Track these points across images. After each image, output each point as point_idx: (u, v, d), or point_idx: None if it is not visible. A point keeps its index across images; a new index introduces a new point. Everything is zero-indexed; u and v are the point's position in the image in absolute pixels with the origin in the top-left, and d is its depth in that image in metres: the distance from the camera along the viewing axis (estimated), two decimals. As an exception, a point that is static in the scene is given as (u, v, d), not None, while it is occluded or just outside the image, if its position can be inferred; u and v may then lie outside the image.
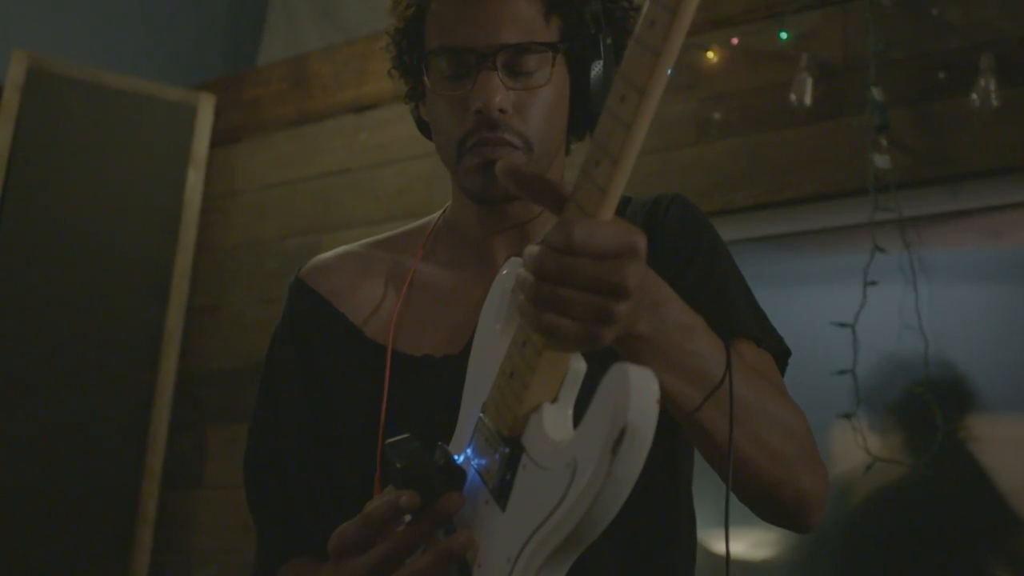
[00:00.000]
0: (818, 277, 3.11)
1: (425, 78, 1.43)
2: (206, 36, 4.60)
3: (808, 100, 3.00)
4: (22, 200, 3.74)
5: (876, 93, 2.85)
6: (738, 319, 1.38)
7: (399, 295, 1.49)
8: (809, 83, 3.01)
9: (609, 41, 1.45)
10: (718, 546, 2.74)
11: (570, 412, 1.04)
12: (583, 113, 1.45)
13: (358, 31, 4.04)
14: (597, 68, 1.43)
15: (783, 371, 1.44)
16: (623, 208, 1.52)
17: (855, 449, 2.67)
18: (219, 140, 4.18)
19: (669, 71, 1.48)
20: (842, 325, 2.74)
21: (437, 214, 1.60)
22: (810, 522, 1.31)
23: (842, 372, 2.71)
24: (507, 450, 1.04)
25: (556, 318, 0.96)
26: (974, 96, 2.75)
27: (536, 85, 1.38)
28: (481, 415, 1.12)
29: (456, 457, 1.13)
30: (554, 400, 1.04)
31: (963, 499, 2.74)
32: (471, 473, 1.11)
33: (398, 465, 1.09)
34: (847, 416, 2.68)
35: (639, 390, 0.91)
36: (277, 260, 3.84)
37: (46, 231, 3.76)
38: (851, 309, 2.75)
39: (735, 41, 3.19)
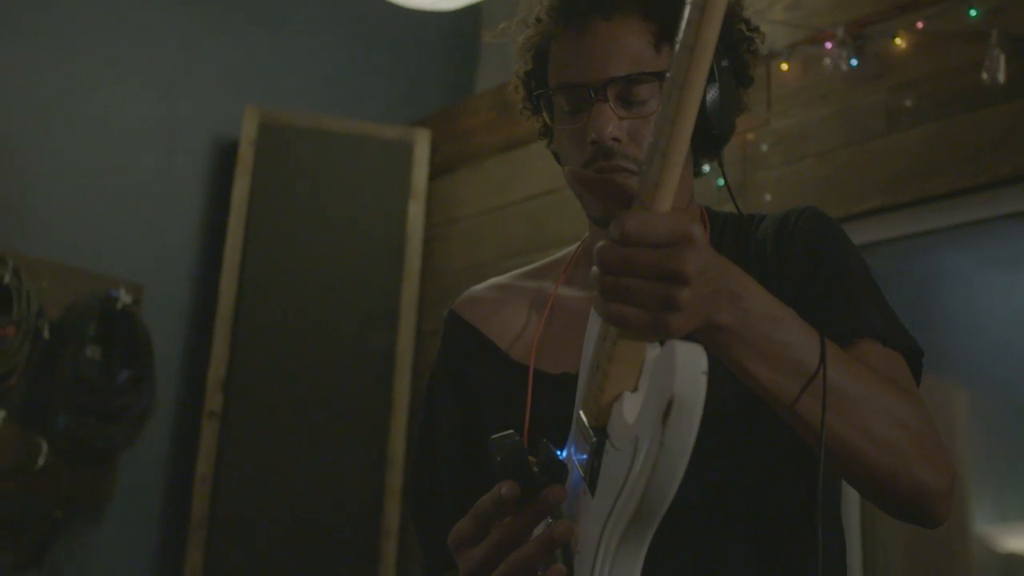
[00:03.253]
0: (1017, 265, 2.98)
1: (546, 114, 1.53)
2: (423, 72, 4.84)
3: (1002, 78, 2.91)
4: (262, 243, 4.08)
5: (1072, 64, 2.74)
6: (863, 319, 1.39)
7: (541, 319, 1.59)
8: (1002, 60, 2.91)
9: (725, 63, 1.50)
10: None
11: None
12: (705, 135, 1.50)
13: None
14: (714, 91, 1.48)
15: (918, 371, 1.43)
16: (758, 223, 1.56)
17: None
18: (436, 172, 4.40)
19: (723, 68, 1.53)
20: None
21: (577, 243, 1.69)
22: (934, 515, 1.29)
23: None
24: (595, 440, 1.11)
25: (622, 307, 1.02)
26: None
27: (649, 113, 1.44)
28: (580, 412, 1.19)
29: (559, 452, 1.21)
30: (634, 389, 1.09)
31: None
32: (573, 467, 1.18)
33: (497, 458, 1.18)
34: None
35: (684, 363, 0.95)
36: (496, 282, 3.99)
37: (285, 269, 4.08)
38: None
39: (920, 25, 3.12)
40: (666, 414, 0.94)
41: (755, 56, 1.58)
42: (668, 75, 0.99)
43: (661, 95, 1.01)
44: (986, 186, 2.94)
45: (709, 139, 1.51)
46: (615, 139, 1.42)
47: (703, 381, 0.95)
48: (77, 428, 3.57)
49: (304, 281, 4.08)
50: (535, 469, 1.18)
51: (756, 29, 1.58)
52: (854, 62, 3.23)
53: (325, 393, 3.98)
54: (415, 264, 4.23)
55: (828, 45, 3.29)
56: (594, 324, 1.28)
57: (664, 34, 1.46)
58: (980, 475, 2.94)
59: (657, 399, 0.96)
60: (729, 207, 3.27)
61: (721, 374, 1.15)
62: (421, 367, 4.14)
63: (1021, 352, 2.80)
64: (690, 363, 0.95)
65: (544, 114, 1.55)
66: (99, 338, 3.71)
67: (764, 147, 3.40)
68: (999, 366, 2.92)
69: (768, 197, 3.33)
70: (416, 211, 4.28)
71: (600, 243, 1.03)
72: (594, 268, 1.04)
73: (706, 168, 1.52)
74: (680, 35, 0.98)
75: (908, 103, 3.12)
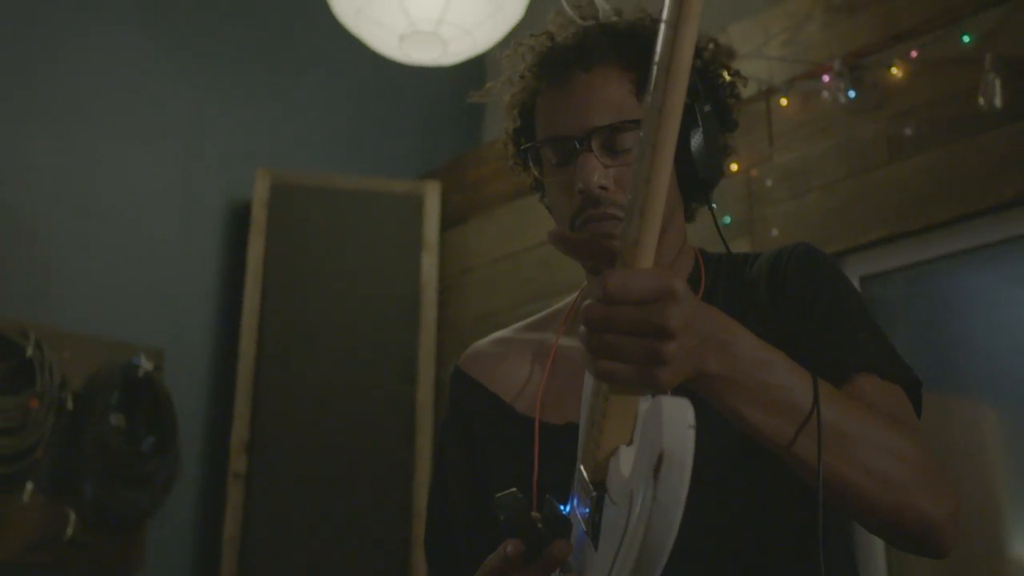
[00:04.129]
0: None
1: (534, 168, 1.57)
2: (430, 125, 4.89)
3: (999, 101, 2.92)
4: (279, 302, 4.12)
5: (1068, 84, 2.76)
6: (859, 353, 1.40)
7: (544, 371, 1.61)
8: (998, 84, 2.93)
9: (708, 108, 1.53)
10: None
11: None
12: (692, 180, 1.53)
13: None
14: (697, 136, 1.50)
15: (918, 401, 1.43)
16: (752, 262, 1.58)
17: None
18: (448, 223, 4.44)
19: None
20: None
21: (576, 293, 1.71)
22: (941, 546, 1.28)
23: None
24: (595, 495, 1.13)
25: (610, 364, 1.04)
26: None
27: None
28: (580, 466, 1.21)
29: (563, 507, 1.23)
30: (630, 442, 1.11)
31: None
32: (577, 522, 1.20)
33: (501, 517, 1.20)
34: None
35: (671, 418, 0.97)
36: (511, 329, 4.02)
37: (302, 327, 4.12)
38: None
39: (915, 54, 3.15)
40: (657, 469, 0.96)
41: (738, 100, 1.61)
42: (640, 135, 1.02)
43: (635, 153, 1.02)
44: (991, 210, 2.96)
45: (696, 183, 1.53)
46: (602, 187, 1.44)
47: (691, 435, 0.96)
48: (104, 497, 3.60)
49: (322, 338, 4.11)
50: (540, 525, 1.19)
51: (737, 74, 1.61)
52: (852, 94, 3.26)
53: (348, 448, 4.00)
54: (431, 316, 4.26)
55: (826, 78, 3.32)
56: (590, 379, 1.31)
57: (644, 82, 1.47)
58: (1015, 496, 2.92)
59: (648, 454, 0.98)
60: (742, 242, 3.31)
61: (717, 418, 1.17)
62: (442, 417, 4.15)
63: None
64: (677, 417, 0.97)
65: (533, 168, 1.57)
66: (122, 406, 3.74)
67: (768, 182, 3.42)
68: (1014, 382, 2.92)
69: (775, 232, 3.35)
70: (429, 263, 4.32)
71: (585, 302, 1.05)
72: (581, 327, 1.06)
73: (714, 205, 1.55)
74: (649, 96, 1.00)
75: (908, 131, 3.14)
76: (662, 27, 0.96)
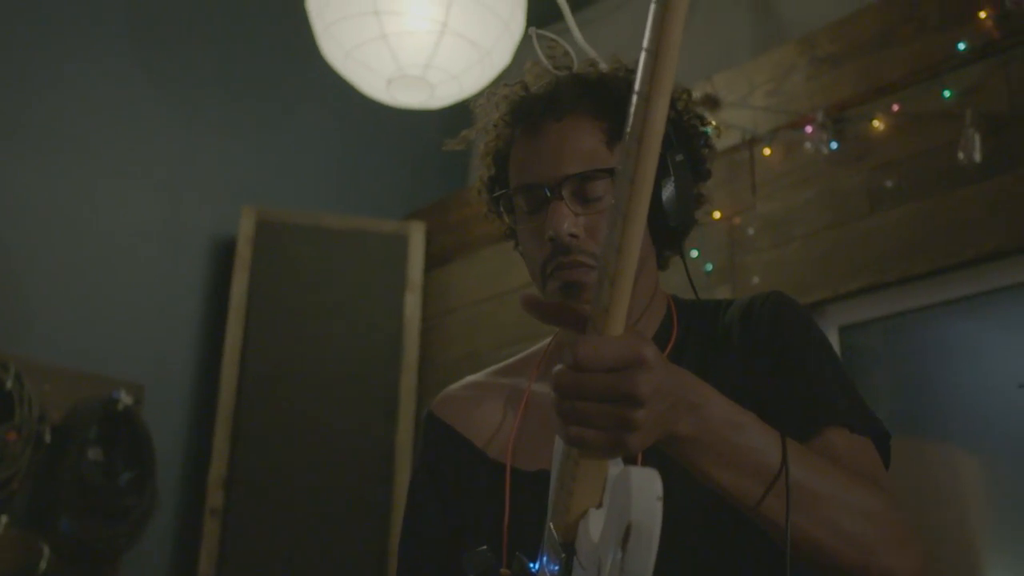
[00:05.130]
0: (1006, 337, 3.01)
1: (506, 215, 1.58)
2: (416, 166, 4.92)
3: (978, 157, 2.96)
4: (261, 339, 4.12)
5: (1046, 141, 2.80)
6: (828, 407, 1.41)
7: (516, 416, 1.61)
8: (977, 139, 2.97)
9: (680, 158, 1.54)
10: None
11: None
12: (663, 229, 1.54)
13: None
14: (669, 185, 1.51)
15: (886, 453, 1.45)
16: (724, 309, 1.59)
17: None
18: (432, 263, 4.46)
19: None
20: (1032, 385, 2.66)
21: (549, 338, 1.71)
22: None
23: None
24: (565, 556, 1.13)
25: (580, 430, 1.05)
26: None
27: (604, 208, 1.47)
28: (550, 524, 1.21)
29: (532, 565, 1.24)
30: (599, 505, 1.12)
31: None
32: None
33: (471, 575, 1.21)
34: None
35: (639, 489, 0.98)
36: (493, 371, 4.03)
37: (284, 365, 4.11)
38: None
39: (896, 108, 3.19)
40: (625, 539, 0.97)
41: (712, 150, 1.63)
42: (611, 201, 1.03)
43: (607, 219, 1.03)
44: (969, 263, 2.98)
45: (668, 232, 1.54)
46: (572, 235, 1.45)
47: (659, 507, 0.97)
48: (80, 531, 3.58)
49: (303, 376, 4.11)
50: None
51: (711, 124, 1.63)
52: (834, 145, 3.30)
53: (326, 487, 3.99)
54: (413, 355, 4.26)
55: (809, 129, 3.35)
56: (560, 440, 1.32)
57: (615, 131, 1.50)
58: (993, 541, 2.94)
59: (616, 524, 0.99)
60: (723, 289, 3.33)
61: (685, 476, 1.18)
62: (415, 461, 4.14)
63: (1011, 416, 2.83)
64: (645, 489, 0.98)
65: (506, 216, 1.58)
66: (101, 440, 3.72)
67: (751, 231, 3.44)
68: (991, 430, 2.94)
69: (756, 280, 3.37)
70: (413, 303, 4.33)
71: (556, 368, 1.06)
72: (552, 393, 1.07)
73: (695, 253, 1.56)
74: (619, 163, 1.01)
75: (889, 184, 3.17)
76: (634, 98, 0.97)
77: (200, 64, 4.42)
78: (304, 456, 4.01)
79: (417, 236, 4.42)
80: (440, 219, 4.55)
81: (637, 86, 0.97)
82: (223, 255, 4.30)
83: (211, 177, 4.37)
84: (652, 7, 0.94)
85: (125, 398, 3.77)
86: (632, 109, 0.98)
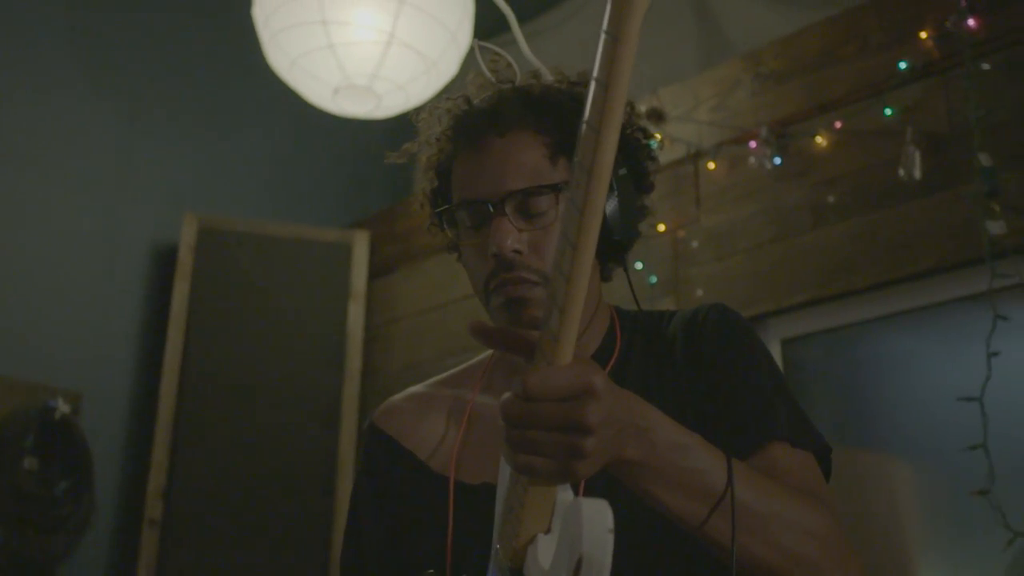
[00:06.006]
0: (944, 352, 3.07)
1: (449, 230, 1.57)
2: (360, 175, 4.89)
3: (918, 173, 3.00)
4: (203, 348, 4.08)
5: (983, 159, 2.84)
6: (771, 422, 1.42)
7: (460, 429, 1.60)
8: (917, 156, 3.01)
9: (623, 172, 1.54)
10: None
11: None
12: (607, 241, 1.54)
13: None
14: (612, 199, 1.51)
15: (828, 467, 1.47)
16: (667, 321, 1.60)
17: (994, 526, 2.61)
18: (376, 272, 4.45)
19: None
20: (968, 399, 2.69)
21: (492, 349, 1.71)
22: None
23: (973, 447, 2.66)
24: None
25: (529, 458, 1.06)
26: (1083, 151, 2.72)
27: (547, 224, 1.47)
28: (497, 546, 1.22)
29: None
30: (547, 531, 1.12)
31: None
32: None
33: None
34: (982, 492, 2.62)
35: (591, 521, 0.98)
36: (437, 381, 4.03)
37: (225, 374, 4.08)
38: (979, 382, 2.71)
39: (839, 124, 3.23)
40: (576, 571, 0.98)
41: (655, 163, 1.63)
42: (554, 216, 1.03)
43: (556, 252, 1.02)
44: (909, 278, 3.03)
45: (612, 245, 1.54)
46: (516, 251, 1.44)
47: (610, 539, 0.98)
48: (15, 541, 3.52)
49: (245, 385, 4.07)
50: None
51: (655, 137, 1.63)
52: (778, 160, 3.33)
53: (267, 497, 3.95)
54: (356, 364, 4.24)
55: (752, 144, 3.38)
56: (507, 466, 1.31)
57: (558, 147, 1.49)
58: (927, 549, 2.99)
59: (567, 555, 1.00)
60: (667, 301, 3.35)
61: (630, 497, 1.19)
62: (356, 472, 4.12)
63: (944, 428, 2.88)
64: (597, 521, 0.98)
65: (449, 231, 1.57)
66: (37, 449, 3.67)
67: (695, 244, 3.47)
68: (925, 441, 2.99)
69: (700, 292, 3.39)
70: (356, 312, 4.31)
71: (505, 396, 1.07)
72: (500, 421, 1.07)
73: (639, 265, 1.56)
74: (569, 191, 1.00)
75: (831, 199, 3.21)
76: (584, 127, 0.97)
77: (143, 68, 4.37)
78: (245, 466, 3.97)
79: (361, 245, 4.40)
80: (384, 228, 4.53)
81: (587, 116, 0.96)
82: (164, 262, 4.25)
83: (153, 183, 4.32)
84: (602, 37, 0.94)
85: (62, 406, 3.71)
86: (581, 138, 0.98)
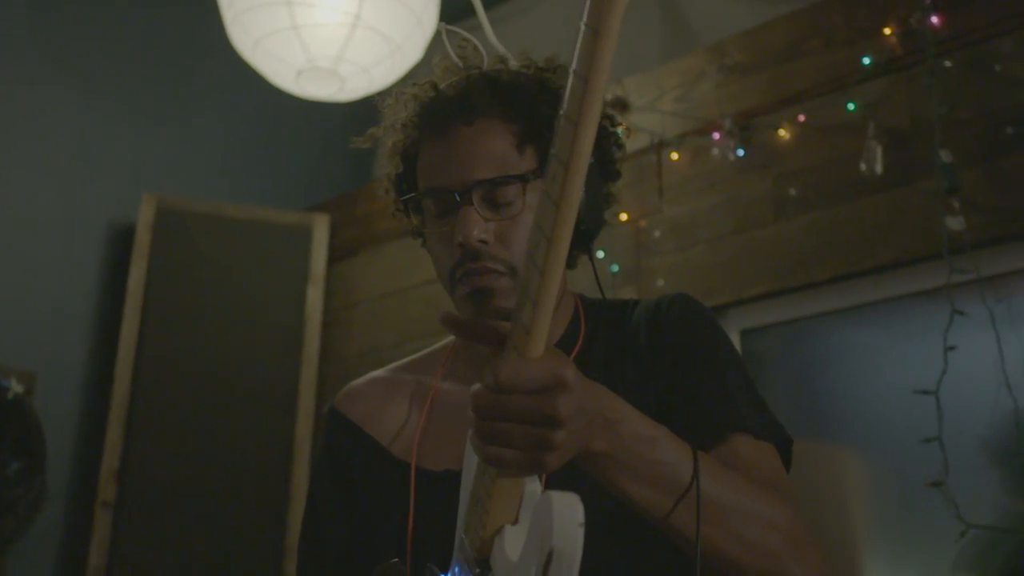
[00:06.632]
0: (901, 345, 3.10)
1: (413, 217, 1.56)
2: (322, 158, 4.86)
3: (879, 168, 3.03)
4: (159, 329, 4.04)
5: (944, 156, 2.86)
6: (733, 413, 1.44)
7: (422, 415, 1.59)
8: (879, 151, 3.03)
9: (591, 160, 1.54)
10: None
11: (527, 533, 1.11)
12: (574, 230, 1.54)
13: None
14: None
15: (788, 459, 1.48)
16: (631, 310, 1.60)
17: (947, 517, 2.64)
18: (336, 256, 4.42)
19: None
20: (924, 392, 2.72)
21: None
22: None
23: (928, 440, 2.69)
24: (478, 571, 1.14)
25: (498, 450, 1.06)
26: (1041, 149, 2.75)
27: (514, 214, 1.46)
28: (463, 536, 1.22)
29: (444, 575, 1.23)
30: (515, 522, 1.13)
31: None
32: None
33: None
34: (936, 484, 2.65)
35: (561, 515, 0.98)
36: (396, 366, 4.01)
37: (182, 355, 4.04)
38: (936, 375, 2.74)
39: (802, 118, 3.24)
40: (546, 565, 0.98)
41: (622, 151, 1.63)
42: (535, 222, 1.02)
43: (530, 243, 1.02)
44: (868, 272, 3.05)
45: (578, 233, 1.54)
46: (482, 241, 1.44)
47: (580, 533, 0.98)
48: (-36, 522, 3.48)
49: (202, 367, 4.04)
50: None
51: (622, 125, 1.63)
52: (741, 152, 3.34)
53: (222, 481, 3.93)
54: (314, 348, 4.22)
55: (716, 136, 3.39)
56: (472, 453, 1.31)
57: (526, 135, 1.48)
58: (873, 538, 3.02)
59: (537, 548, 1.00)
60: (628, 290, 3.35)
61: (594, 487, 1.18)
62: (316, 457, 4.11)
63: (899, 421, 2.91)
64: (567, 515, 0.98)
65: (414, 217, 1.56)
66: (-12, 429, 3.63)
67: (656, 234, 3.48)
68: (880, 434, 3.02)
69: (661, 282, 3.40)
70: (315, 295, 4.28)
71: (475, 387, 1.07)
72: (470, 410, 1.07)
73: (601, 254, 1.55)
74: (545, 184, 1.00)
75: (793, 192, 3.22)
76: (562, 120, 0.96)
77: (103, 46, 4.31)
78: (200, 449, 3.94)
79: (321, 228, 4.38)
80: (345, 212, 4.50)
81: (565, 109, 0.96)
82: (121, 242, 4.20)
83: (111, 162, 4.26)
84: (582, 29, 0.93)
85: (15, 386, 3.67)
86: (558, 131, 0.97)
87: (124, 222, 4.21)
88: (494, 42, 2.24)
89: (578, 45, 0.94)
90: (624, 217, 3.50)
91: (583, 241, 1.55)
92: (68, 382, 4.01)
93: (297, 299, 4.25)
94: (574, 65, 0.94)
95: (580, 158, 0.95)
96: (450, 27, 1.62)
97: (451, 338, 1.70)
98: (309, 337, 4.21)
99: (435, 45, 3.39)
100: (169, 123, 4.46)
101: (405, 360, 1.72)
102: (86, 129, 4.21)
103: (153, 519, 3.83)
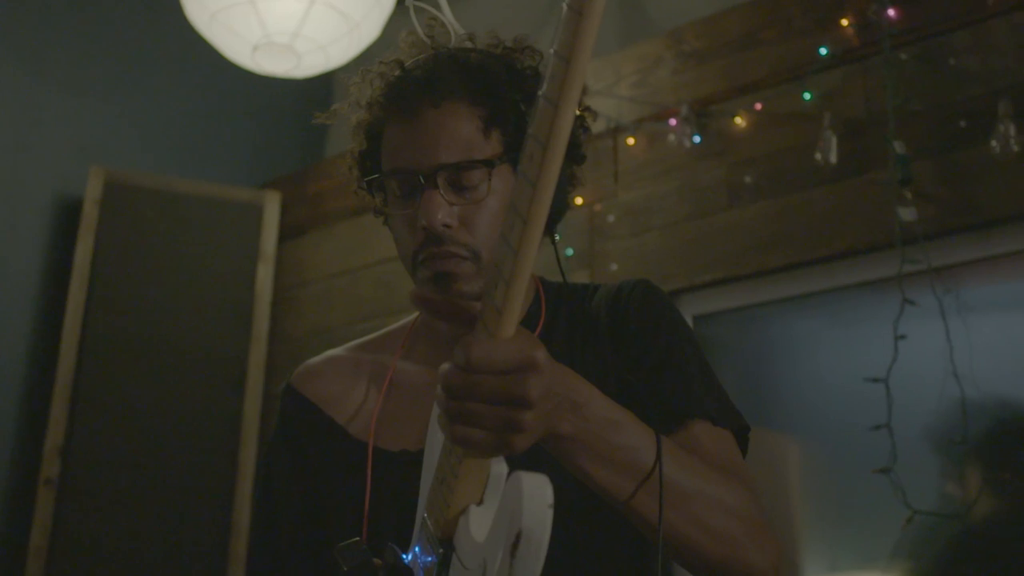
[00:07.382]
0: (852, 333, 3.13)
1: (376, 196, 1.55)
2: (273, 135, 4.80)
3: (834, 158, 3.05)
4: (105, 305, 3.98)
5: (898, 147, 2.89)
6: (693, 400, 1.45)
7: (380, 394, 1.58)
8: (834, 141, 3.06)
9: None
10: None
11: (492, 514, 1.11)
12: None
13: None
14: None
15: (746, 446, 1.50)
16: (591, 294, 1.59)
17: (895, 503, 2.67)
18: (286, 234, 4.38)
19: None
20: (874, 380, 2.75)
21: (415, 315, 1.68)
22: None
23: (877, 427, 2.72)
24: (441, 551, 1.13)
25: (467, 430, 1.05)
26: (994, 143, 2.77)
27: (479, 198, 1.46)
28: (425, 515, 1.21)
29: (405, 556, 1.23)
30: (480, 502, 1.12)
31: (1008, 549, 2.72)
32: (419, 572, 1.20)
33: (344, 569, 1.20)
34: (884, 470, 2.69)
35: (531, 497, 0.98)
36: (346, 346, 4.00)
37: (129, 331, 3.98)
38: (886, 363, 2.77)
39: (759, 106, 3.26)
40: (515, 546, 0.98)
41: (587, 133, 1.62)
42: (512, 203, 1.01)
43: (504, 223, 1.01)
44: (820, 260, 3.08)
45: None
46: (446, 225, 1.44)
47: (549, 515, 0.98)
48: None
49: (148, 344, 3.99)
50: (381, 575, 1.21)
51: (587, 108, 1.62)
52: (697, 139, 3.35)
53: (169, 459, 3.88)
54: (263, 327, 4.19)
55: (672, 122, 3.40)
56: (437, 434, 1.30)
57: (493, 119, 1.48)
58: (812, 525, 3.06)
59: (506, 529, 1.00)
60: (582, 274, 3.36)
61: (557, 469, 1.18)
62: (268, 432, 4.08)
63: (848, 408, 2.95)
64: (537, 496, 0.98)
65: (376, 197, 1.55)
66: (-72, 403, 3.57)
67: (611, 218, 3.48)
68: (829, 420, 3.06)
69: (614, 267, 3.41)
70: (265, 274, 4.25)
71: (445, 366, 1.06)
72: (438, 389, 1.07)
73: (557, 236, 1.54)
74: (520, 164, 0.99)
75: (748, 180, 3.24)
76: (541, 101, 0.95)
77: (51, 15, 4.23)
78: (146, 427, 3.89)
79: (272, 206, 4.34)
80: (296, 190, 4.47)
81: (544, 90, 0.95)
82: (68, 216, 4.13)
83: (58, 135, 4.19)
84: (564, 10, 0.92)
85: (-43, 361, 3.61)
86: (538, 112, 0.96)
87: (71, 196, 4.14)
88: (452, 22, 2.22)
89: (561, 25, 0.93)
90: (579, 201, 3.51)
91: (549, 223, 1.55)
92: (12, 356, 3.94)
93: (247, 277, 4.21)
94: (555, 46, 0.93)
95: (559, 139, 0.95)
96: (418, 3, 1.60)
97: (409, 318, 1.69)
98: (259, 316, 4.18)
99: (393, 23, 3.37)
100: (119, 95, 4.38)
101: (363, 339, 1.71)
102: (33, 101, 4.13)
103: (97, 497, 3.79)
